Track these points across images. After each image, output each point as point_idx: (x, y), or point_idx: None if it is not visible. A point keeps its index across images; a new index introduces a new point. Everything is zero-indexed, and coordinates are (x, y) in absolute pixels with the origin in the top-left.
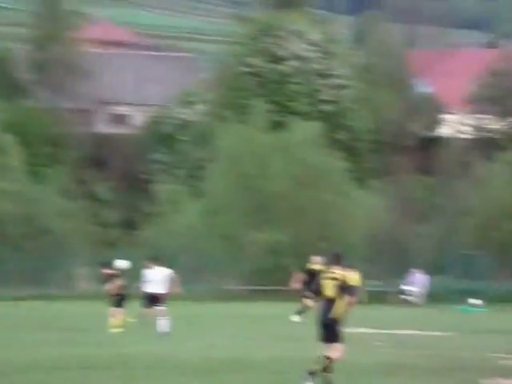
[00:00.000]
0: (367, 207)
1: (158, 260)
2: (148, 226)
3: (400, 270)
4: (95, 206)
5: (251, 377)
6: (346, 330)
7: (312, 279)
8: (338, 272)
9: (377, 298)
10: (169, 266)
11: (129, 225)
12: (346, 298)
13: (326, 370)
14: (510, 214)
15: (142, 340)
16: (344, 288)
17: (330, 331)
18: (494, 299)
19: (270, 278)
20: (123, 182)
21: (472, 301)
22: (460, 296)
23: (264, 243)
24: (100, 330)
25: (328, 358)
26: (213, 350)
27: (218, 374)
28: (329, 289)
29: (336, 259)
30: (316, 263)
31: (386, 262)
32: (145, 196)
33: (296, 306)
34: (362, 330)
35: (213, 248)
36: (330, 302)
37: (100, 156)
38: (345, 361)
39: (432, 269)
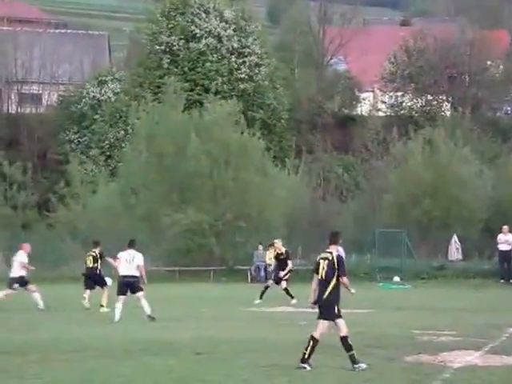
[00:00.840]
0: (286, 186)
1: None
2: (64, 207)
3: (320, 248)
4: (8, 188)
5: (173, 358)
6: (270, 310)
7: (282, 263)
8: (332, 252)
9: (299, 276)
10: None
11: (44, 206)
12: (342, 278)
13: (347, 349)
14: (429, 191)
15: (62, 324)
16: (336, 268)
17: (328, 311)
18: (415, 276)
19: (191, 259)
20: (37, 162)
21: (393, 278)
22: (381, 273)
23: (183, 223)
24: (15, 314)
25: (342, 337)
26: (134, 332)
27: (139, 356)
28: (323, 269)
29: (333, 238)
30: (280, 247)
31: (306, 240)
32: (60, 177)
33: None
34: (286, 309)
35: (131, 229)
36: (325, 281)
37: (11, 136)
38: (267, 340)
39: (353, 247)
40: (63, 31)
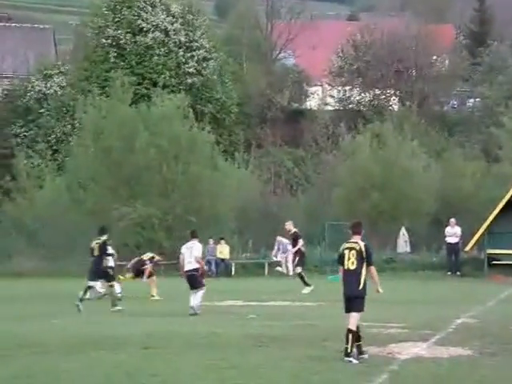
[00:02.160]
0: (236, 179)
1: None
2: (9, 201)
3: (270, 242)
4: None
5: (122, 353)
6: (218, 303)
7: (296, 244)
8: (358, 242)
9: (248, 269)
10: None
11: None
12: (370, 268)
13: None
14: (377, 185)
15: (4, 320)
16: (365, 257)
17: (360, 303)
18: None
19: (140, 253)
20: None
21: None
22: (331, 266)
23: (132, 217)
24: None
25: (350, 331)
26: (83, 328)
27: (87, 351)
28: (350, 260)
29: (357, 228)
30: (293, 228)
31: (256, 233)
32: (4, 171)
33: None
34: (234, 302)
35: (80, 224)
36: (354, 273)
37: None
38: (217, 334)
39: (303, 239)
40: (7, 24)
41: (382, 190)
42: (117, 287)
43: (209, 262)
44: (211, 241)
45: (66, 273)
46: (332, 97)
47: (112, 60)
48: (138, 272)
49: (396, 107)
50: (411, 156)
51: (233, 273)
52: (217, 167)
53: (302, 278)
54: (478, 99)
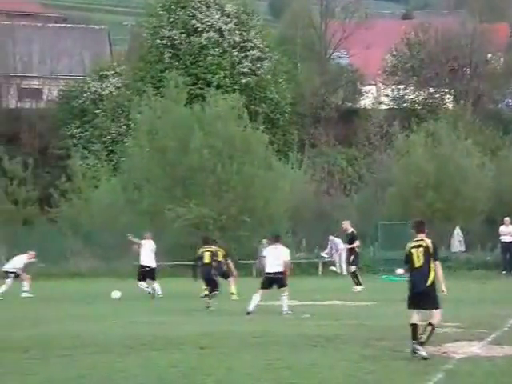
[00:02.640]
0: (290, 179)
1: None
2: (65, 202)
3: (324, 242)
4: (8, 184)
5: (177, 353)
6: (272, 303)
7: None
8: (424, 239)
9: (301, 269)
10: (90, 244)
11: (45, 202)
12: (436, 263)
13: (428, 337)
14: (432, 183)
15: (62, 320)
16: (432, 254)
17: (428, 299)
18: None
19: (194, 254)
20: (38, 158)
21: (396, 270)
22: (384, 266)
23: (187, 218)
24: (16, 310)
25: (431, 324)
26: (138, 328)
27: (141, 351)
28: (418, 258)
29: (421, 227)
30: (350, 227)
31: (310, 233)
32: (61, 172)
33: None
34: (288, 302)
35: (134, 224)
36: (423, 270)
37: (11, 132)
38: (271, 333)
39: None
40: (63, 25)
41: (436, 189)
42: (157, 287)
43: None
44: (265, 240)
45: (121, 273)
46: (386, 95)
47: (167, 60)
48: (225, 274)
49: (450, 106)
50: (465, 155)
51: None
52: (271, 167)
53: (355, 276)
54: None
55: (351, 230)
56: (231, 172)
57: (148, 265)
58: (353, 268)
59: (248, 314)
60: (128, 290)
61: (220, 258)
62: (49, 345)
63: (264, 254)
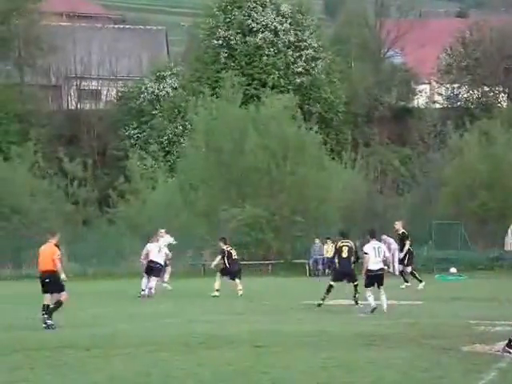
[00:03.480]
0: (343, 179)
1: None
2: (123, 203)
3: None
4: (69, 184)
5: (232, 351)
6: (326, 302)
7: (403, 244)
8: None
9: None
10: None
11: (104, 202)
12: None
13: None
14: (485, 183)
15: (122, 319)
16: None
17: None
18: (471, 267)
19: (249, 253)
20: (97, 158)
21: (450, 269)
22: (437, 265)
23: (241, 218)
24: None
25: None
26: (193, 326)
27: (198, 349)
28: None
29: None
30: (401, 228)
31: (363, 233)
32: (119, 172)
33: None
34: (342, 301)
35: (190, 224)
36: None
37: (71, 132)
38: (326, 332)
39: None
40: (121, 26)
41: (490, 189)
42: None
43: (316, 262)
44: (317, 240)
45: (178, 273)
46: (440, 94)
47: (222, 61)
48: (238, 273)
49: (505, 104)
50: None
51: None
52: (324, 167)
53: (414, 276)
54: None
55: (402, 230)
56: (285, 172)
57: (156, 261)
58: (409, 268)
59: (373, 311)
60: (183, 290)
61: (235, 256)
62: (110, 343)
63: (366, 250)
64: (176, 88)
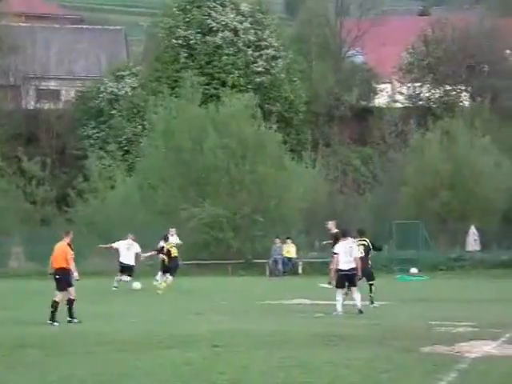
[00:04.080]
0: (304, 179)
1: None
2: (82, 202)
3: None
4: (27, 184)
5: (191, 351)
6: (285, 302)
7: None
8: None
9: (315, 268)
10: (106, 243)
11: (62, 201)
12: None
13: None
14: (447, 183)
15: (82, 318)
16: None
17: None
18: (433, 267)
19: (209, 253)
20: (55, 158)
21: (411, 270)
22: (398, 265)
23: (201, 217)
24: (34, 307)
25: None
26: (152, 326)
27: (157, 349)
28: None
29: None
30: (334, 228)
31: (323, 232)
32: (78, 172)
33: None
34: (300, 301)
35: (150, 224)
36: None
37: (30, 132)
38: (284, 332)
39: (370, 239)
40: (80, 27)
41: (451, 189)
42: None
43: (276, 261)
44: (278, 240)
45: (137, 272)
46: (401, 94)
47: (182, 60)
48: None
49: (467, 103)
50: (482, 153)
51: (300, 272)
52: (284, 167)
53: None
54: None
55: (336, 230)
56: (244, 172)
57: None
58: None
59: (336, 314)
60: (141, 289)
61: (175, 254)
62: (67, 342)
63: (336, 250)
64: (135, 88)
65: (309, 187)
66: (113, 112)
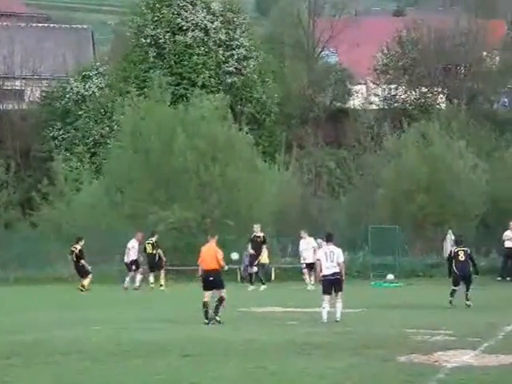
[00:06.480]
0: (277, 182)
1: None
2: (47, 205)
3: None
4: None
5: (161, 360)
6: (256, 309)
7: (258, 247)
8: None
9: (288, 274)
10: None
11: (27, 205)
12: None
13: None
14: (423, 186)
15: (47, 326)
16: None
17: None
18: (409, 274)
19: (178, 257)
20: (20, 160)
21: (387, 276)
22: (374, 271)
23: (170, 221)
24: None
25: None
26: (122, 334)
27: (125, 358)
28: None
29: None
30: (260, 232)
31: (296, 237)
32: (43, 175)
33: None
34: (274, 308)
35: (118, 227)
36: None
37: None
38: (256, 341)
39: (345, 244)
40: (46, 25)
41: (428, 192)
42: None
43: (248, 267)
44: (250, 245)
45: (105, 278)
46: (376, 95)
47: (151, 60)
48: (155, 266)
49: (443, 105)
50: (458, 156)
51: (272, 278)
52: (256, 169)
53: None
54: None
55: (262, 234)
56: (215, 174)
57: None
58: (254, 269)
59: (321, 323)
60: (111, 295)
61: (150, 251)
62: (32, 351)
63: (319, 255)
64: (102, 88)
65: (282, 190)
66: (79, 113)
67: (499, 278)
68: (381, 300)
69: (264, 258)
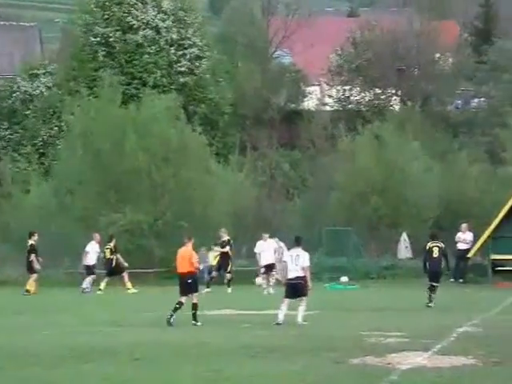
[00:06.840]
0: (231, 183)
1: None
2: None
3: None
4: None
5: (110, 364)
6: (209, 312)
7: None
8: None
9: (242, 277)
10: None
11: None
12: None
13: None
14: (378, 188)
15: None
16: None
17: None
18: (364, 276)
19: (130, 260)
20: None
21: (341, 278)
22: (328, 273)
23: (121, 224)
24: None
25: None
26: (70, 338)
27: (74, 363)
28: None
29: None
30: (226, 235)
31: (251, 240)
32: None
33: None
34: (227, 311)
35: (67, 230)
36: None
37: None
38: (208, 344)
39: (232, 247)
40: None
41: (382, 194)
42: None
43: (201, 270)
44: (203, 248)
45: (53, 281)
46: (330, 96)
47: (101, 59)
48: (115, 271)
49: (397, 107)
50: (412, 158)
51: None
52: (209, 170)
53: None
54: (482, 99)
55: (227, 237)
56: (167, 175)
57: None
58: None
59: (276, 324)
60: (59, 299)
61: (108, 256)
62: None
63: (284, 258)
64: (51, 87)
65: (236, 192)
66: (27, 112)
67: (452, 280)
68: (335, 302)
69: (211, 260)
